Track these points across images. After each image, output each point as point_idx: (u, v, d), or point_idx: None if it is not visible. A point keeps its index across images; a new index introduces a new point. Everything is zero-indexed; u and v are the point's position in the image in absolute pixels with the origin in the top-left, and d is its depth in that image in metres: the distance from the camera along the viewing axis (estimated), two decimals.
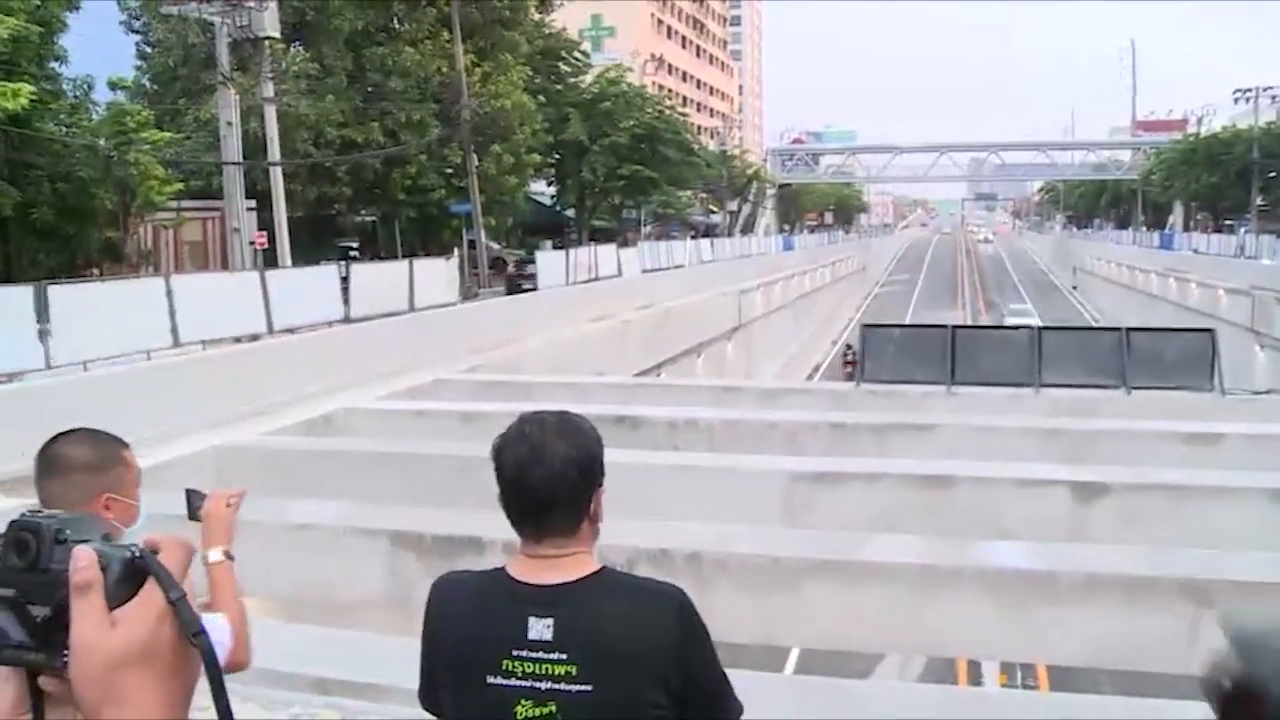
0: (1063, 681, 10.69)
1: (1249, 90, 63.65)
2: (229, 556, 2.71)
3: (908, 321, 50.12)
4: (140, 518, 2.56)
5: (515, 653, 1.96)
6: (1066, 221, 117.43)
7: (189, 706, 0.94)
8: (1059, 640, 6.71)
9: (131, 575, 0.93)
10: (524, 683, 1.95)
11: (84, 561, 0.91)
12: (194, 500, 2.83)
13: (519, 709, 1.95)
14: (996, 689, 11.52)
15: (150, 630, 0.90)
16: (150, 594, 0.92)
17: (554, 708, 1.94)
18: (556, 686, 1.94)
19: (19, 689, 1.00)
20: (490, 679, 1.97)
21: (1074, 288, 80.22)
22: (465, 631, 2.03)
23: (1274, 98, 64.14)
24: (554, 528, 2.06)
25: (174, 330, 13.58)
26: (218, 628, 2.39)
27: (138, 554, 0.94)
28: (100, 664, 0.89)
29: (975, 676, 12.21)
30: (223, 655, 2.33)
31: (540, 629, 1.96)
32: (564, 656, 1.95)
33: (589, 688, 1.95)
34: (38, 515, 0.98)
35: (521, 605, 1.99)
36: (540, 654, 1.95)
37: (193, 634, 0.92)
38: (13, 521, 0.98)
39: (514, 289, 30.49)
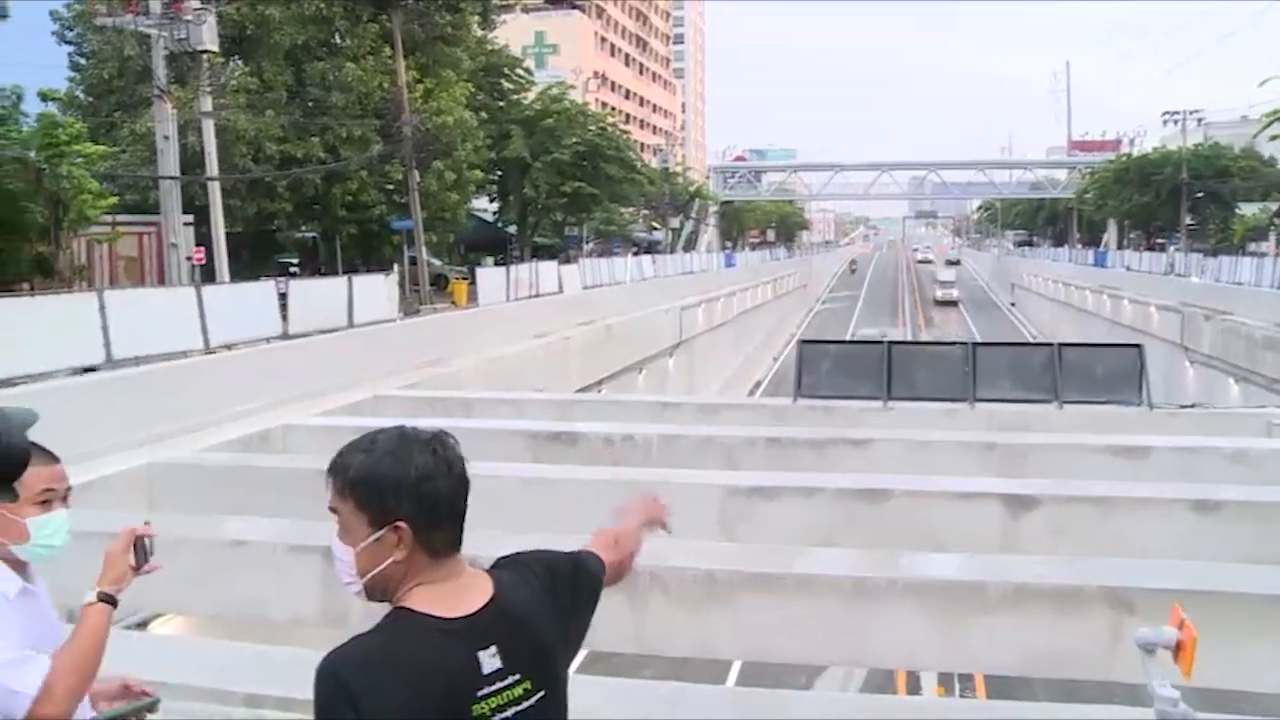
0: (1001, 693, 10.83)
1: (1177, 113, 65.13)
2: (106, 600, 2.59)
3: (849, 338, 50.61)
4: (30, 538, 2.54)
5: (480, 694, 1.87)
6: (1019, 241, 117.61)
7: None
8: (989, 650, 6.81)
9: None
10: (493, 718, 1.88)
11: None
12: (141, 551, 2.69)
13: None
14: (932, 698, 11.65)
15: None
16: None
17: None
18: (519, 708, 1.91)
19: None
20: None
21: (1012, 304, 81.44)
22: (421, 699, 1.84)
23: (1200, 120, 65.69)
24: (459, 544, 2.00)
25: (107, 346, 13.39)
26: (36, 668, 2.31)
27: None
28: None
29: (915, 688, 12.32)
30: (22, 705, 2.26)
31: (490, 661, 1.89)
32: (518, 677, 1.91)
33: (542, 694, 1.94)
34: None
35: (465, 644, 1.90)
36: (498, 684, 1.89)
37: None
38: None
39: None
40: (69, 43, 34.64)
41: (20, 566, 2.59)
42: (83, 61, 34.31)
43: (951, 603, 6.77)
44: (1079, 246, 79.37)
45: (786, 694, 6.06)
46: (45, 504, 2.59)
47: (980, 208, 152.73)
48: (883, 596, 6.84)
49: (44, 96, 27.33)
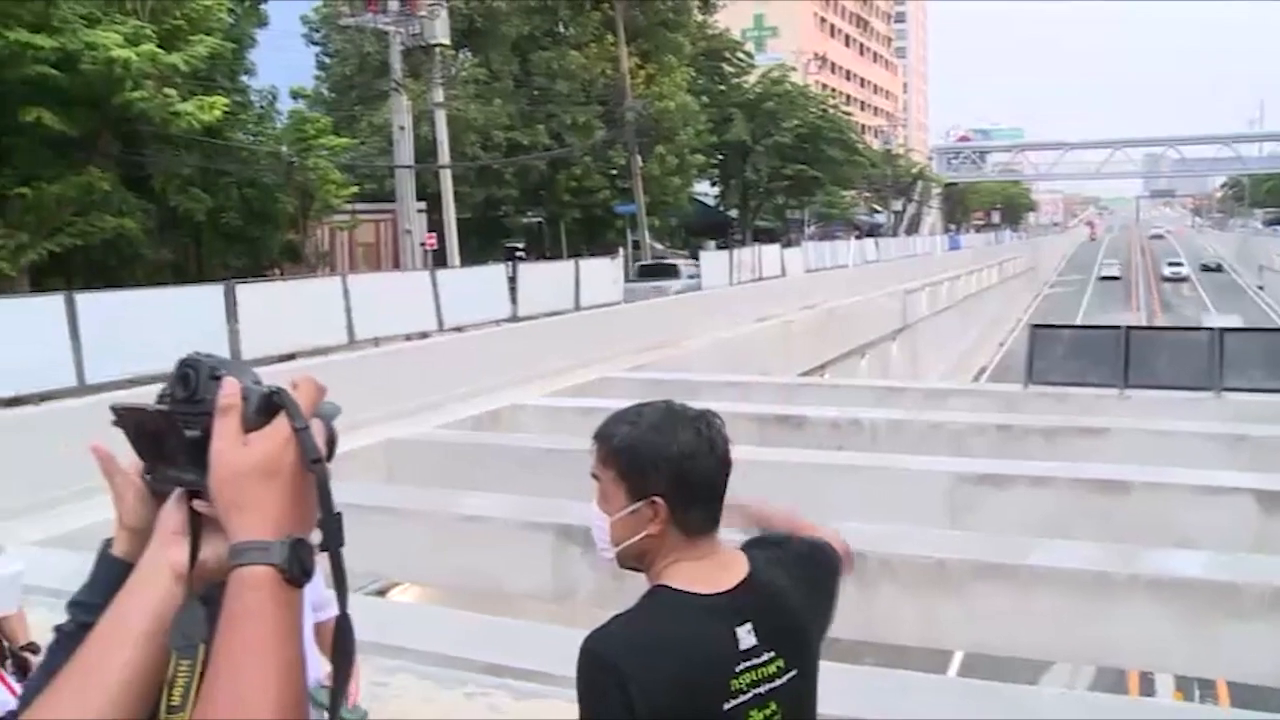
0: (1246, 701, 10.22)
1: None
2: None
3: (1079, 323, 48.55)
4: None
5: (737, 669, 1.87)
6: (1269, 220, 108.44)
7: (309, 529, 1.08)
8: (1242, 656, 6.44)
9: (267, 408, 1.08)
10: (748, 694, 1.87)
11: (229, 389, 1.06)
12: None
13: None
14: (1172, 702, 11.09)
15: (276, 451, 1.04)
16: (280, 424, 1.06)
17: (774, 706, 1.89)
18: (773, 685, 1.89)
19: (183, 514, 1.11)
20: (725, 705, 1.86)
21: (1260, 287, 76.33)
22: (686, 676, 1.84)
23: None
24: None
25: (349, 328, 14.10)
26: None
27: (275, 391, 1.09)
28: (230, 473, 1.04)
29: (1148, 690, 11.77)
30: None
31: (746, 637, 1.89)
32: (772, 654, 1.90)
33: (794, 672, 1.93)
34: (199, 354, 1.12)
35: (724, 620, 1.89)
36: (754, 660, 1.88)
37: (311, 460, 1.05)
38: (180, 359, 1.13)
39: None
40: (316, 44, 36.71)
41: None
42: (327, 60, 36.30)
43: (1199, 603, 6.43)
44: None
45: (1022, 689, 5.89)
46: None
47: (1224, 185, 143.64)
48: (1123, 593, 6.56)
49: (295, 94, 29.06)
